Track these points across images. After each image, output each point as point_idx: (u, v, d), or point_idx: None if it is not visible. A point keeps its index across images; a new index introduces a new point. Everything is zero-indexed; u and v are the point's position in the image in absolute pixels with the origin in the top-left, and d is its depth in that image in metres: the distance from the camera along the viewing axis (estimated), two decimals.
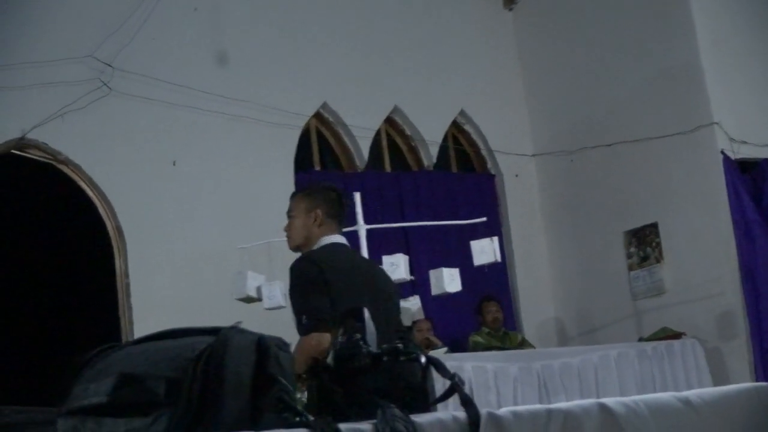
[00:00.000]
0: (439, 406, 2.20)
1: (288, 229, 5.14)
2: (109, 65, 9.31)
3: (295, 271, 4.83)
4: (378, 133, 11.27)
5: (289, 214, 5.12)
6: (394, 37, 11.29)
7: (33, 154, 9.23)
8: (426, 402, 2.15)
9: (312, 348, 4.13)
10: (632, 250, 10.87)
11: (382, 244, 9.37)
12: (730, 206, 9.94)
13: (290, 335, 3.12)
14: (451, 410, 2.09)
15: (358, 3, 11.21)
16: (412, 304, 8.04)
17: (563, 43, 11.68)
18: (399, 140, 11.57)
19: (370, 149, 11.11)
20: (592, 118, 11.27)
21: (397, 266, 7.78)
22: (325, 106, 10.83)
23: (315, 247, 5.01)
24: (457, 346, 10.09)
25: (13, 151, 9.12)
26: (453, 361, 7.80)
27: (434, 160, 11.53)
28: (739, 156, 10.13)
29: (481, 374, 8.24)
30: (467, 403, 2.04)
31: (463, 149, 11.95)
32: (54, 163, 9.28)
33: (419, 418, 1.97)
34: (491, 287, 10.84)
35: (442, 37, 11.62)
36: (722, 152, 10.04)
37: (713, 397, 2.37)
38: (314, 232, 5.06)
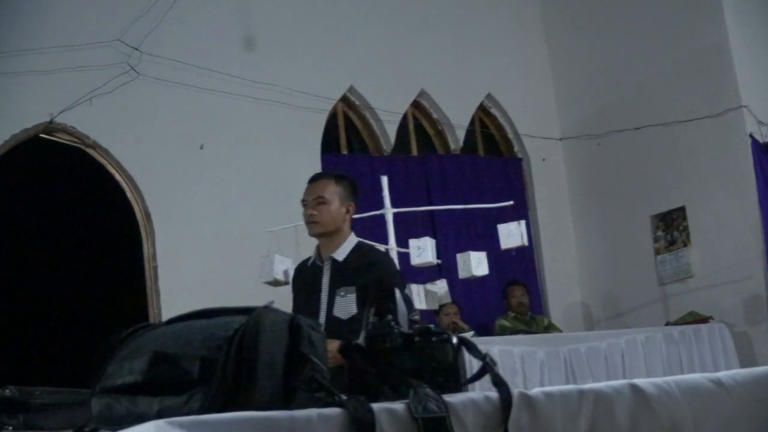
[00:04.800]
0: (470, 386, 2.20)
1: (318, 212, 4.79)
2: (136, 49, 9.33)
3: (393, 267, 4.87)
4: (405, 117, 11.26)
5: (320, 198, 4.78)
6: (420, 21, 11.27)
7: (61, 138, 9.27)
8: (457, 382, 2.15)
9: None
10: (659, 233, 10.83)
11: (408, 227, 9.37)
12: (758, 189, 9.90)
13: None
14: (482, 390, 2.09)
15: None
16: (439, 288, 8.02)
17: (590, 26, 11.63)
18: (426, 124, 11.56)
19: (397, 133, 11.11)
20: (619, 102, 11.23)
21: (423, 250, 7.77)
22: (351, 89, 10.83)
23: (348, 242, 4.88)
24: (484, 329, 10.10)
25: (41, 135, 9.17)
26: (480, 344, 7.79)
27: (461, 143, 11.52)
28: (767, 139, 10.08)
29: (508, 358, 8.24)
30: (499, 383, 2.04)
31: (489, 133, 11.92)
32: (82, 147, 9.32)
33: (451, 398, 1.97)
34: (518, 271, 10.85)
35: (468, 20, 11.59)
36: (750, 135, 10.01)
37: (746, 378, 2.36)
38: (345, 227, 4.85)
